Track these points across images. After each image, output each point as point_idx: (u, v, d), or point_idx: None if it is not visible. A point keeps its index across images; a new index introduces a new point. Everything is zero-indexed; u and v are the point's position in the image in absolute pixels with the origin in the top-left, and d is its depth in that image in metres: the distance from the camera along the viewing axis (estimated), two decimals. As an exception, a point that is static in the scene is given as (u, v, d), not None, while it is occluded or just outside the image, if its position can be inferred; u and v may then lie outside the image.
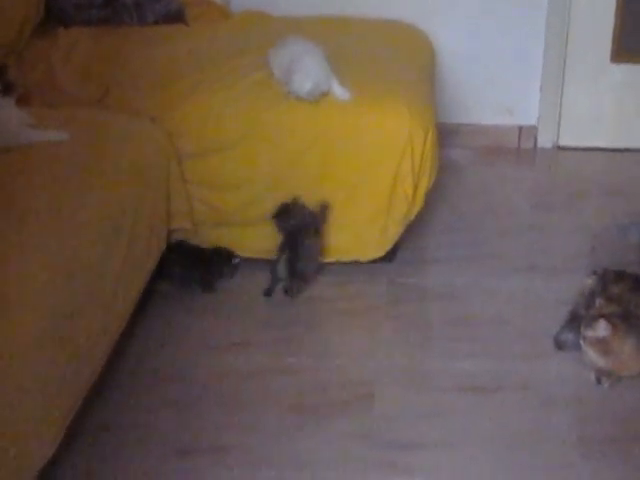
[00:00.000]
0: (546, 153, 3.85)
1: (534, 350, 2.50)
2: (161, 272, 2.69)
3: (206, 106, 2.75)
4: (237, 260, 2.80)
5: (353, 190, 2.76)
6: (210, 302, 2.74)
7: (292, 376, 2.40)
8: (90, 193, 2.24)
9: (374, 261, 2.83)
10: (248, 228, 2.84)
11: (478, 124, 3.84)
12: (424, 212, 2.86)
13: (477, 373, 2.40)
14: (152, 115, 2.72)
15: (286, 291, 2.69)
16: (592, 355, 2.33)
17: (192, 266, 2.76)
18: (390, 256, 2.90)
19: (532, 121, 3.84)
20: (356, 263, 2.84)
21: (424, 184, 2.77)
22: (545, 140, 3.85)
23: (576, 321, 2.42)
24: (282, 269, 2.66)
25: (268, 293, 2.72)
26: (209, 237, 2.84)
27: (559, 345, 2.48)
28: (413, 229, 2.90)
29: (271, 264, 2.69)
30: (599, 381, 2.34)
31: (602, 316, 2.29)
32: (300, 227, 2.67)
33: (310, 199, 2.74)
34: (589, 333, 2.31)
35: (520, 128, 3.85)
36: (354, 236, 2.81)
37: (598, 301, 2.38)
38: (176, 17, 3.35)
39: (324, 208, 2.73)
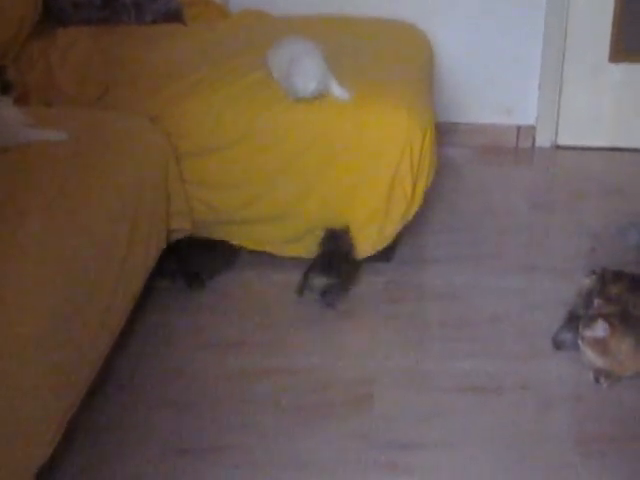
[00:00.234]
0: (544, 152, 3.85)
1: (533, 350, 2.50)
2: (161, 271, 2.69)
3: (205, 105, 2.75)
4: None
5: (352, 189, 2.76)
6: (210, 301, 2.74)
7: (292, 376, 2.40)
8: (89, 193, 2.24)
9: (373, 260, 2.83)
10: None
11: (477, 123, 3.85)
12: (422, 211, 2.86)
13: (476, 373, 2.40)
14: (151, 115, 2.71)
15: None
16: (590, 355, 2.33)
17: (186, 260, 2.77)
18: (389, 256, 2.90)
19: (531, 120, 3.84)
20: (355, 263, 2.84)
21: (422, 183, 2.77)
22: (543, 139, 3.86)
23: (574, 321, 2.42)
24: (314, 286, 2.67)
25: (300, 291, 2.71)
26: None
27: (558, 345, 2.48)
28: (412, 228, 2.90)
29: (306, 272, 2.69)
30: (598, 381, 2.34)
31: (601, 316, 2.29)
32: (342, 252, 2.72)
33: (310, 198, 2.75)
34: (588, 333, 2.31)
35: (519, 127, 3.85)
36: (352, 235, 2.81)
37: (596, 301, 2.38)
38: (175, 17, 3.35)
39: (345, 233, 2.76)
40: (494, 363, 2.44)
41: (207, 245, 2.85)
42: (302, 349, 2.52)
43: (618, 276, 2.48)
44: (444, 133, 3.28)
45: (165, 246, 2.67)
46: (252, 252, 2.90)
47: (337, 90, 2.71)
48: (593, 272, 2.55)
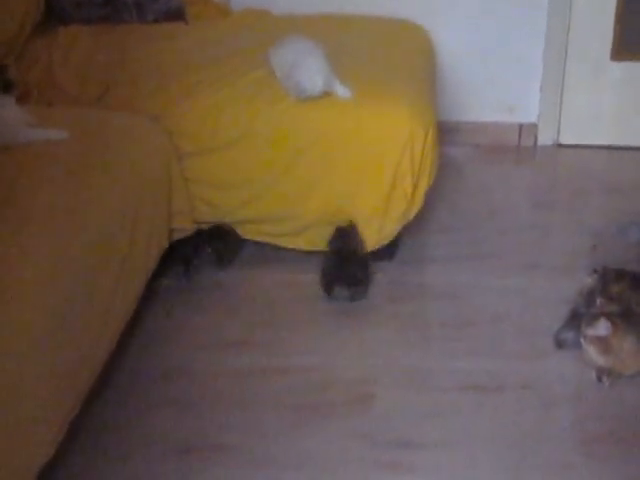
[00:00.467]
0: (546, 151, 3.85)
1: (534, 349, 2.50)
2: (161, 269, 2.69)
3: (206, 105, 2.75)
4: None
5: (353, 188, 2.75)
6: (211, 301, 2.74)
7: (292, 375, 2.40)
8: (90, 192, 2.24)
9: (374, 260, 2.83)
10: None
11: (478, 122, 3.84)
12: (424, 210, 2.86)
13: (477, 372, 2.40)
14: (152, 114, 2.71)
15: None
16: (592, 354, 2.33)
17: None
18: (390, 255, 2.90)
19: (532, 119, 3.84)
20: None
21: (424, 183, 2.76)
22: (545, 138, 3.85)
23: (576, 320, 2.42)
24: (336, 290, 2.69)
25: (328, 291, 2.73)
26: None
27: (559, 344, 2.48)
28: (413, 227, 2.90)
29: (326, 280, 2.71)
30: (600, 379, 2.34)
31: (602, 315, 2.29)
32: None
33: (311, 197, 2.75)
34: (589, 332, 2.31)
35: (520, 126, 3.85)
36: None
37: (598, 300, 2.38)
38: (176, 15, 3.35)
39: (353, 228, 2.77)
40: (495, 362, 2.44)
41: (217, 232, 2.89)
42: (303, 348, 2.52)
43: (620, 275, 2.48)
44: (446, 132, 3.28)
45: (167, 245, 2.67)
46: (253, 251, 2.91)
47: (339, 89, 2.71)
48: (595, 271, 2.55)
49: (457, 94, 3.74)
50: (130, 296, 2.36)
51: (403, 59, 3.07)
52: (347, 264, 2.71)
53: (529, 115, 3.83)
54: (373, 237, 2.79)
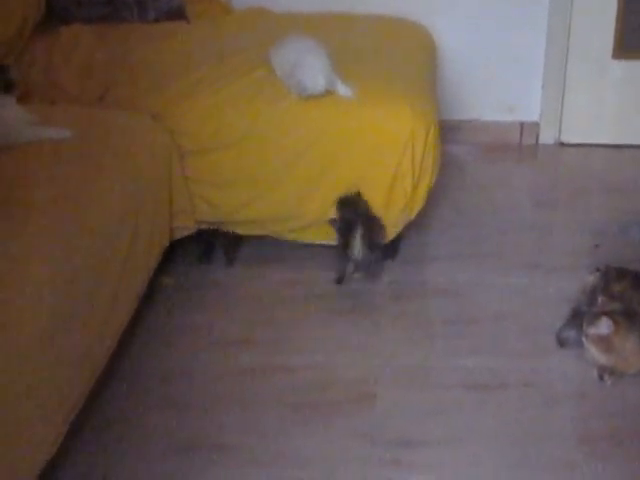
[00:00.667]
0: (548, 150, 3.85)
1: (537, 347, 2.50)
2: (161, 269, 2.69)
3: (207, 103, 2.74)
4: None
5: (354, 187, 2.75)
6: (212, 299, 2.74)
7: (294, 374, 2.40)
8: (91, 191, 2.24)
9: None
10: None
11: (480, 121, 3.84)
12: (426, 209, 2.86)
13: (480, 370, 2.40)
14: (153, 113, 2.71)
15: (356, 268, 2.72)
16: (594, 352, 2.33)
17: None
18: (392, 254, 2.90)
19: (534, 117, 3.83)
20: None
21: (426, 182, 2.75)
22: (547, 137, 3.85)
23: (578, 318, 2.42)
24: (357, 246, 2.66)
25: (340, 281, 2.73)
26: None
27: (561, 342, 2.48)
28: (415, 226, 2.89)
29: (337, 250, 2.71)
30: (601, 378, 2.34)
31: (604, 313, 2.29)
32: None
33: (313, 196, 2.75)
34: (591, 330, 2.30)
35: (522, 124, 3.84)
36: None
37: (600, 298, 2.38)
38: (177, 14, 3.35)
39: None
40: (497, 360, 2.44)
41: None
42: (305, 347, 2.52)
43: (622, 273, 2.48)
44: (447, 131, 3.27)
45: (168, 244, 2.67)
46: (253, 250, 2.92)
47: (341, 88, 2.71)
48: (597, 269, 2.55)
49: (459, 93, 3.73)
50: (131, 295, 2.36)
51: (404, 58, 3.07)
52: (368, 227, 2.70)
53: (531, 114, 3.83)
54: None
